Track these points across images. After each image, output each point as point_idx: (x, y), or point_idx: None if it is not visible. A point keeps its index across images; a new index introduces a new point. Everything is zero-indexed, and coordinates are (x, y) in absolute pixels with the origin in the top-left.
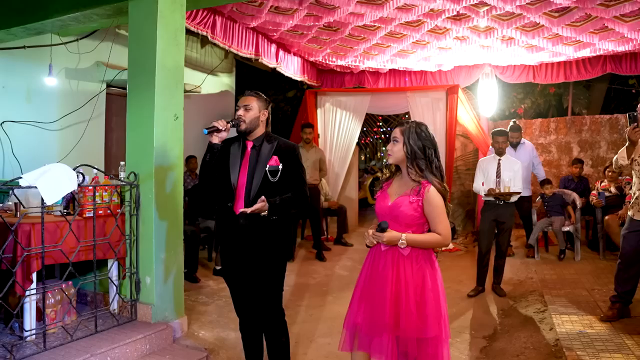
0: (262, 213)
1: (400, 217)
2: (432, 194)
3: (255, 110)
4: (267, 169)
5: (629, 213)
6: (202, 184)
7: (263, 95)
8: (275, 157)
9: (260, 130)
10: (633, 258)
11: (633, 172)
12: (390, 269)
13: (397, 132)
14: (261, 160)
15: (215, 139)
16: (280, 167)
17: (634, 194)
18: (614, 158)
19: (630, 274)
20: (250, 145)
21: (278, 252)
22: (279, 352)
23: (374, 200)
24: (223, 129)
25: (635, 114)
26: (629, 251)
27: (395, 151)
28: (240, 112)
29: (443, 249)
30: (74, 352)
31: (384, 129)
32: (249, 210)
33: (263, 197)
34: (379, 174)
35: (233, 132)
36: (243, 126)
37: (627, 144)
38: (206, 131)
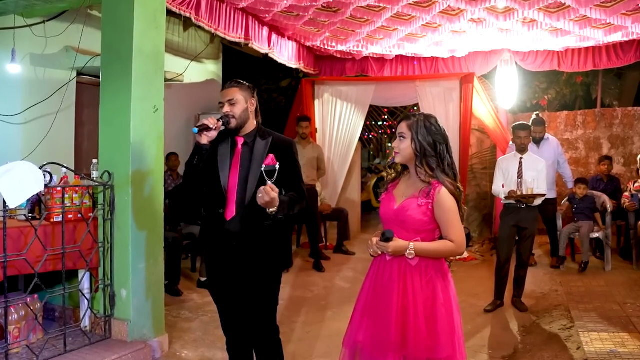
0: (271, 209)
1: (408, 222)
2: (444, 196)
3: (241, 103)
4: (263, 169)
5: None
6: (187, 187)
7: (244, 82)
8: (271, 156)
9: (251, 124)
10: None
11: None
12: (396, 280)
13: (403, 127)
14: (255, 159)
15: (205, 139)
16: (277, 166)
17: None
18: (639, 157)
19: None
20: (241, 141)
21: (273, 261)
22: None
23: (379, 203)
24: (214, 127)
25: None
26: None
27: (403, 149)
28: (226, 108)
29: (457, 258)
30: None
31: (390, 123)
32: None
33: (276, 189)
34: (384, 174)
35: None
36: (234, 123)
37: None
38: (196, 130)
